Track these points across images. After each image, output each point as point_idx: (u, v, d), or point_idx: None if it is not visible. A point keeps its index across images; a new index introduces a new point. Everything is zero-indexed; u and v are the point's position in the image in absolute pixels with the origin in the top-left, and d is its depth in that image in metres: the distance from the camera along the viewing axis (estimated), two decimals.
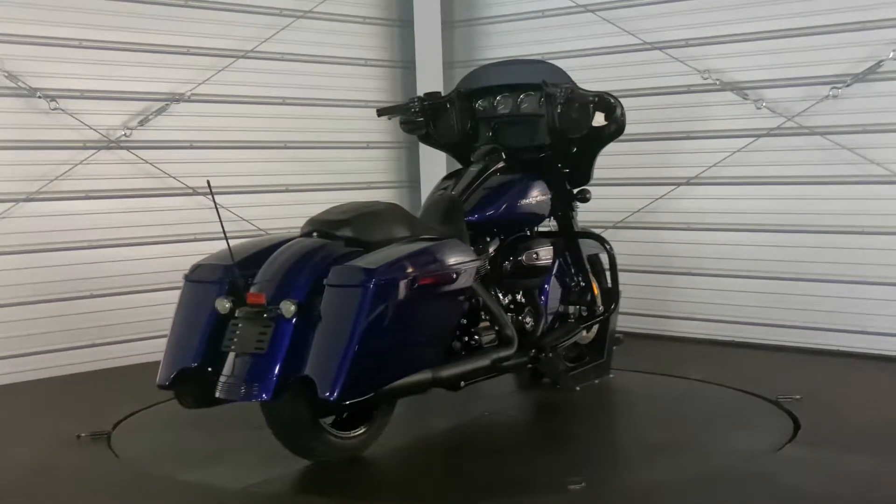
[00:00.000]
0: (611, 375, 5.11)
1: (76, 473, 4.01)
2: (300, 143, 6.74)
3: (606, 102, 4.65)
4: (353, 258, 3.74)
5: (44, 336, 5.66)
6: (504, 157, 4.75)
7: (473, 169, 4.63)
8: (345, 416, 3.92)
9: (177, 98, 6.15)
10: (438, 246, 3.96)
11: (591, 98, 4.65)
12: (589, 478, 3.79)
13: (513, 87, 4.86)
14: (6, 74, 5.52)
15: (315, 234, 3.91)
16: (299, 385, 3.57)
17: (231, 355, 3.63)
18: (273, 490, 3.78)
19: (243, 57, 6.42)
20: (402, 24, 7.30)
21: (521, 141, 4.83)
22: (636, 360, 5.73)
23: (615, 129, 4.77)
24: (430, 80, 6.96)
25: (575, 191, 5.00)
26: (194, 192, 6.23)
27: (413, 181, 7.28)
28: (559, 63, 6.80)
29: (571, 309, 4.87)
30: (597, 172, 6.70)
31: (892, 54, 5.55)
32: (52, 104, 5.66)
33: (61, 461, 4.15)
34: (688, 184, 6.35)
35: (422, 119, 4.94)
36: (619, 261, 5.07)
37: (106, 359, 5.86)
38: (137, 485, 3.88)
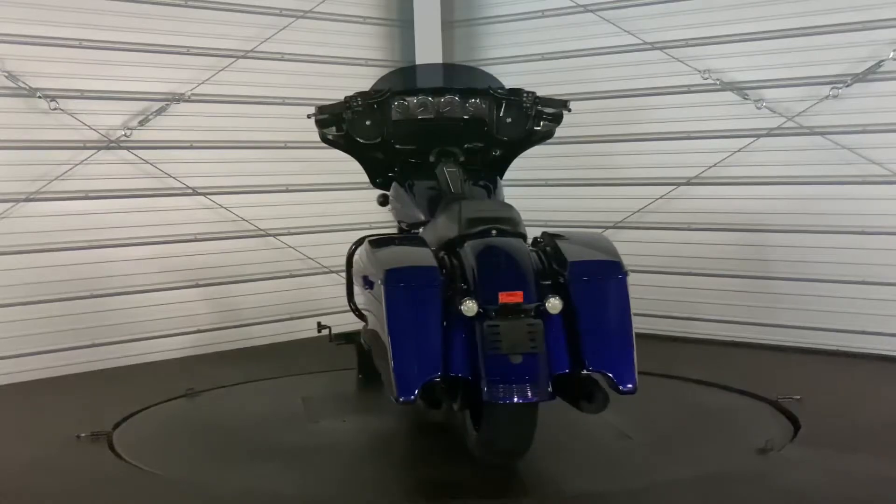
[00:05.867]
0: None
1: (76, 473, 4.01)
2: (300, 143, 6.73)
3: (558, 112, 4.72)
4: (545, 254, 3.80)
5: (44, 336, 5.66)
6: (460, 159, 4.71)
7: (452, 170, 4.55)
8: None
9: (177, 98, 6.15)
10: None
11: (563, 104, 4.71)
12: (588, 478, 3.81)
13: (444, 90, 4.80)
14: (6, 74, 5.52)
15: (494, 231, 3.86)
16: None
17: (494, 357, 3.49)
18: (270, 490, 3.78)
19: (243, 57, 6.42)
20: (402, 24, 7.30)
21: (451, 142, 4.76)
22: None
23: (547, 134, 4.84)
24: None
25: None
26: (194, 192, 6.23)
27: None
28: (560, 63, 6.84)
29: None
30: (597, 172, 6.75)
31: (892, 54, 5.55)
32: (52, 104, 5.66)
33: (61, 461, 4.15)
34: (688, 184, 6.35)
35: (338, 118, 4.70)
36: None
37: (106, 359, 5.86)
38: (137, 485, 3.88)
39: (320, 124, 4.73)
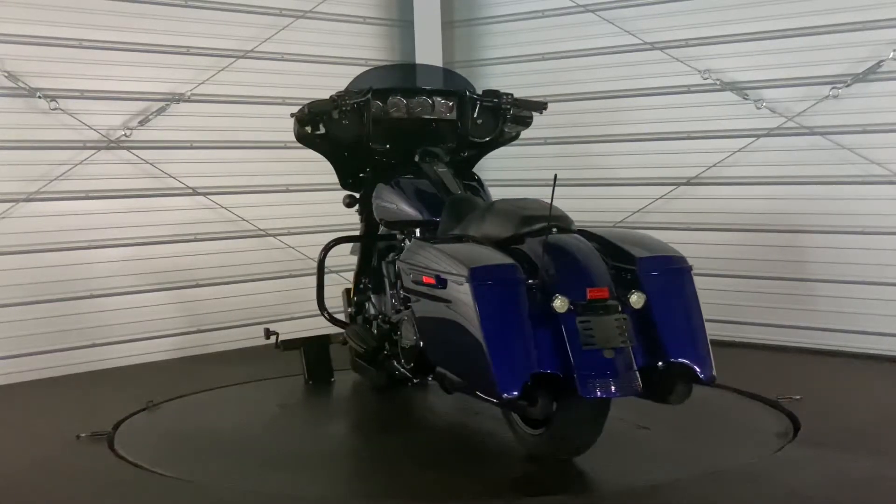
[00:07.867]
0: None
1: (76, 473, 4.01)
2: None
3: (528, 115, 4.80)
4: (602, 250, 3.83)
5: (44, 336, 5.66)
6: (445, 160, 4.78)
7: (444, 170, 4.60)
8: None
9: (177, 98, 6.15)
10: None
11: (539, 106, 4.79)
12: (588, 478, 3.81)
13: (421, 91, 4.84)
14: (6, 74, 5.52)
15: (554, 229, 3.87)
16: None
17: (588, 353, 3.50)
18: (271, 491, 3.77)
19: (243, 57, 6.42)
20: (402, 24, 7.30)
21: (428, 142, 4.82)
22: None
23: (514, 136, 4.92)
24: None
25: None
26: (194, 192, 6.23)
27: None
28: (560, 63, 6.83)
29: None
30: (597, 172, 6.74)
31: (892, 54, 5.55)
32: (52, 104, 5.66)
33: (61, 461, 4.15)
34: (688, 184, 6.35)
35: (318, 116, 4.72)
36: None
37: (106, 359, 5.86)
38: (137, 485, 3.87)
39: (300, 122, 4.74)
